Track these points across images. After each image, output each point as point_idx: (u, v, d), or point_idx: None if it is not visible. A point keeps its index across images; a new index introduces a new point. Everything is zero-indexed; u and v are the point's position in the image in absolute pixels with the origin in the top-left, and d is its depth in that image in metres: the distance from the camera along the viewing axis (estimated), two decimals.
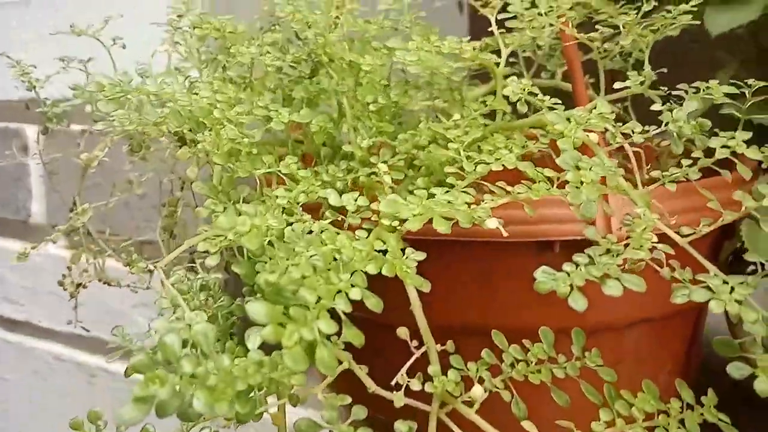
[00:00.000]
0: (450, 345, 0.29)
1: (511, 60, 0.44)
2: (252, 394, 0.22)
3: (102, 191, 0.46)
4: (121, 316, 0.70)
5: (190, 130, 0.34)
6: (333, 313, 0.23)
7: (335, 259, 0.24)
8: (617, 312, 0.40)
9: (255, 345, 0.24)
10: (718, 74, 0.54)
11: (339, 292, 0.24)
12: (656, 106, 0.36)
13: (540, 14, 0.36)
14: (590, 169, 0.25)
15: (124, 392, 0.77)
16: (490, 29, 0.41)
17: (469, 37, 0.38)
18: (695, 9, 0.37)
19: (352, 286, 0.24)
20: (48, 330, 0.80)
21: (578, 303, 0.24)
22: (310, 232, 0.28)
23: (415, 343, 0.28)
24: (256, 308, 0.21)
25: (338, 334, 0.24)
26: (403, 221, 0.31)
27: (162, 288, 0.43)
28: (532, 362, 0.30)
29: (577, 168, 0.26)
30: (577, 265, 0.25)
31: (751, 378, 0.24)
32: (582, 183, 0.25)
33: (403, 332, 0.28)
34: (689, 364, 0.49)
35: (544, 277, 0.24)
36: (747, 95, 0.33)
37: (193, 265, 0.33)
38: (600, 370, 0.31)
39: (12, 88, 0.78)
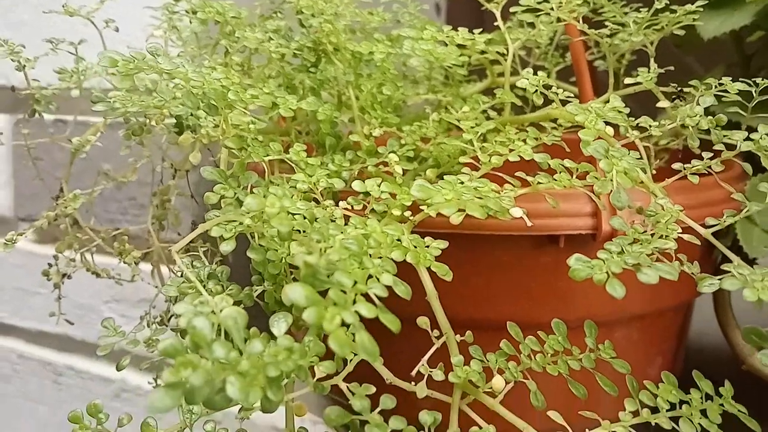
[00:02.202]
0: (469, 335, 0.29)
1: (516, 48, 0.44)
2: (282, 382, 0.21)
3: (76, 180, 0.44)
4: (92, 312, 0.68)
5: (192, 115, 0.33)
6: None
7: (365, 244, 0.24)
8: (610, 308, 0.41)
9: (282, 331, 0.23)
10: (707, 77, 0.56)
11: (371, 277, 0.23)
12: (662, 103, 0.36)
13: (552, 8, 0.36)
14: (621, 158, 0.25)
15: (91, 393, 0.74)
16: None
17: (481, 29, 0.38)
18: (700, 9, 0.38)
19: (384, 271, 0.23)
20: (12, 327, 0.76)
21: (617, 290, 0.24)
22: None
23: (435, 333, 0.28)
24: (296, 291, 0.20)
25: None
26: (416, 212, 0.31)
27: (153, 279, 0.41)
28: (548, 354, 0.29)
29: (608, 156, 0.25)
30: (611, 253, 0.24)
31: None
32: (614, 170, 0.25)
33: (423, 322, 0.28)
34: (677, 360, 0.49)
35: (579, 264, 0.24)
36: (754, 95, 0.34)
37: (196, 253, 0.31)
38: (614, 362, 0.31)
39: None
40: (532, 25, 0.37)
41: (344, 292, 0.21)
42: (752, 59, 0.56)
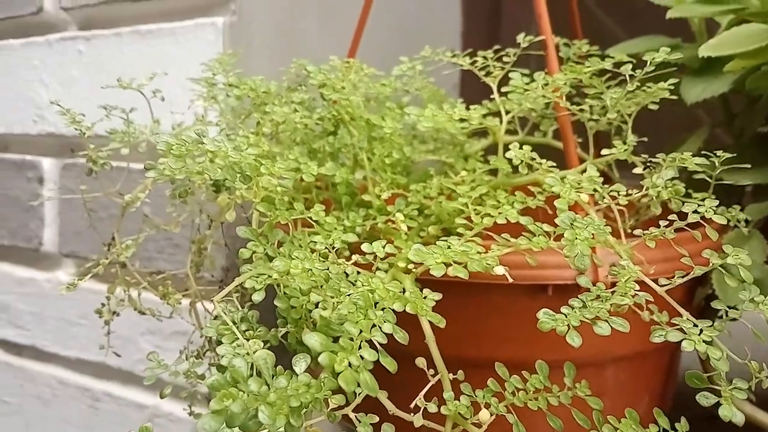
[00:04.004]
0: (460, 374, 0.34)
1: (507, 119, 0.50)
2: (302, 411, 0.27)
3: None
4: (129, 342, 0.74)
5: (226, 179, 0.39)
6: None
7: (370, 298, 0.29)
8: (598, 349, 0.45)
9: (302, 369, 0.28)
10: (692, 137, 0.61)
11: (374, 326, 0.28)
12: (638, 170, 0.42)
13: (538, 88, 0.41)
14: (585, 228, 0.31)
15: (126, 418, 0.79)
16: (480, 89, 0.47)
17: (474, 106, 0.44)
18: (672, 87, 0.43)
19: (385, 321, 0.29)
20: (53, 354, 0.82)
21: (575, 340, 0.29)
22: (346, 273, 0.32)
23: (431, 371, 0.33)
24: (312, 339, 0.25)
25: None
26: (420, 265, 0.36)
27: (190, 317, 0.47)
28: (530, 391, 0.34)
29: (573, 226, 0.31)
30: (573, 308, 0.30)
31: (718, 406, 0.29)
32: (576, 240, 0.30)
33: (420, 362, 0.33)
34: (665, 397, 0.53)
35: (545, 317, 0.29)
36: (716, 164, 0.39)
37: (231, 299, 0.37)
38: (588, 400, 0.35)
39: (30, 122, 0.83)
40: (521, 101, 0.43)
41: (351, 340, 0.26)
42: (735, 118, 0.61)
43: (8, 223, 0.85)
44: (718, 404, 0.28)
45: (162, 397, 0.39)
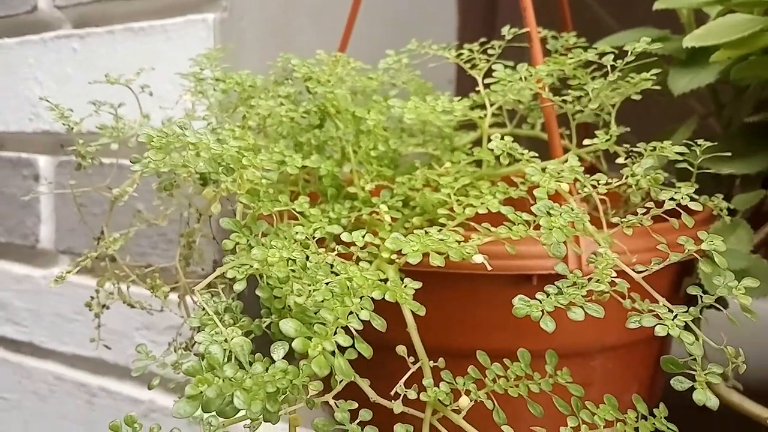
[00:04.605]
0: (441, 361, 0.34)
1: (495, 112, 0.50)
2: (279, 397, 0.27)
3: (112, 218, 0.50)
4: (124, 337, 0.74)
5: (213, 172, 0.39)
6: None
7: (348, 286, 0.29)
8: (585, 338, 0.45)
9: (280, 356, 0.29)
10: (682, 127, 0.61)
11: (351, 313, 0.29)
12: (620, 160, 0.42)
13: (520, 79, 0.42)
14: (560, 215, 0.31)
15: (122, 412, 0.80)
16: (476, 87, 0.47)
17: (460, 97, 0.44)
18: (654, 78, 0.43)
19: (362, 308, 0.29)
20: (50, 351, 0.83)
21: (548, 325, 0.29)
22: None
23: (411, 359, 0.33)
24: (287, 325, 0.26)
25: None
26: (402, 254, 0.37)
27: (179, 309, 0.47)
28: (511, 378, 0.35)
29: (549, 214, 0.31)
30: (548, 294, 0.30)
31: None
32: (552, 227, 0.30)
33: (401, 350, 0.33)
34: (654, 387, 0.54)
35: (520, 303, 0.29)
36: (698, 153, 0.39)
37: (217, 290, 0.37)
38: (569, 387, 0.36)
39: (26, 120, 0.83)
40: (504, 92, 0.43)
41: (326, 326, 0.27)
42: (724, 108, 0.61)
43: (4, 221, 0.86)
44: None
45: (150, 388, 0.39)
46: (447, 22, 0.91)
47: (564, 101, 0.43)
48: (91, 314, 0.79)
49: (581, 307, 0.29)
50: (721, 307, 0.33)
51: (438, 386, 0.32)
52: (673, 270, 0.48)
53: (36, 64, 0.81)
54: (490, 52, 0.48)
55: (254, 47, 0.68)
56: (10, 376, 0.87)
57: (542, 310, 0.29)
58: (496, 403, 0.33)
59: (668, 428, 0.32)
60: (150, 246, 0.72)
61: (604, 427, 0.31)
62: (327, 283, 0.28)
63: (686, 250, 0.32)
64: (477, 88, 0.47)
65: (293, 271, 0.31)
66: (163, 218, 0.44)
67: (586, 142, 0.41)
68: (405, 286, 0.33)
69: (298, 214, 0.40)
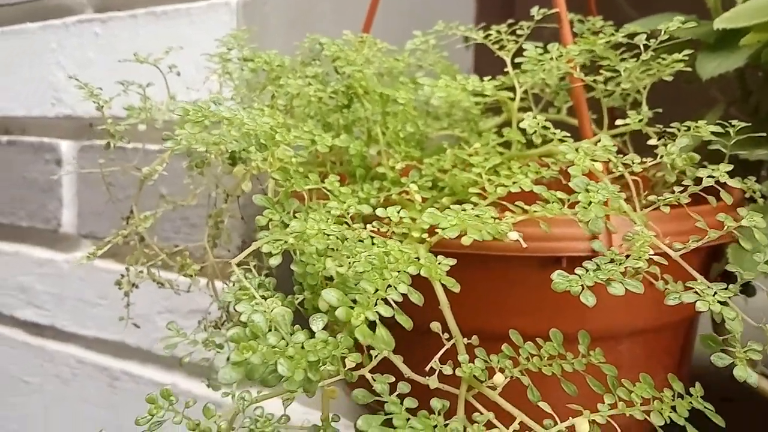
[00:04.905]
0: (475, 339, 0.34)
1: (522, 95, 0.50)
2: (320, 366, 0.27)
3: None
4: (147, 321, 0.75)
5: (243, 150, 0.39)
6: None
7: (386, 260, 0.29)
8: (614, 322, 0.45)
9: (319, 327, 0.29)
10: (709, 114, 0.60)
11: (389, 286, 0.29)
12: (652, 141, 0.42)
13: (552, 59, 0.41)
14: (598, 191, 0.31)
15: (145, 396, 0.80)
16: (493, 65, 0.47)
17: (489, 77, 0.44)
18: (686, 59, 0.43)
19: (400, 282, 0.29)
20: (72, 334, 0.84)
21: (589, 300, 0.29)
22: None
23: (446, 335, 0.33)
24: (330, 294, 0.26)
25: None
26: (434, 233, 0.37)
27: (208, 289, 0.48)
28: (544, 357, 0.35)
29: (587, 190, 0.31)
30: (587, 270, 0.30)
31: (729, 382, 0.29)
32: (590, 203, 0.30)
33: (435, 326, 0.33)
34: (680, 376, 0.53)
35: (559, 278, 0.29)
36: (731, 134, 0.39)
37: (249, 268, 0.37)
38: (603, 367, 0.36)
39: (48, 105, 0.84)
40: (535, 72, 0.43)
41: (367, 296, 0.27)
42: (752, 95, 0.60)
43: (27, 205, 0.87)
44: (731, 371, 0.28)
45: (182, 364, 0.39)
46: (464, 8, 0.91)
47: (595, 81, 0.43)
48: (114, 298, 0.79)
49: (621, 282, 0.29)
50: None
51: (473, 363, 0.32)
52: (703, 254, 0.47)
53: (58, 48, 0.81)
54: (518, 33, 0.47)
55: (278, 32, 0.68)
56: (32, 360, 0.88)
57: (582, 285, 0.29)
58: (530, 381, 0.33)
59: (705, 407, 0.32)
60: (173, 230, 0.72)
61: (641, 404, 0.31)
62: (366, 256, 0.28)
63: (726, 227, 0.32)
64: (505, 69, 0.46)
65: (330, 243, 0.31)
66: (193, 197, 0.44)
67: (618, 122, 0.40)
68: (439, 263, 0.33)
69: (328, 193, 0.40)
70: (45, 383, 0.87)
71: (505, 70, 0.46)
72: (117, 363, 0.79)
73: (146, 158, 0.61)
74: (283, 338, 0.26)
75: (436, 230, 0.36)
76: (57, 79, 0.82)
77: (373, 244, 0.31)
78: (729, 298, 0.29)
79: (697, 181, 0.34)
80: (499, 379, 0.32)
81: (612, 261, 0.31)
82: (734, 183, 0.33)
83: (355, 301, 0.26)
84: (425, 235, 0.37)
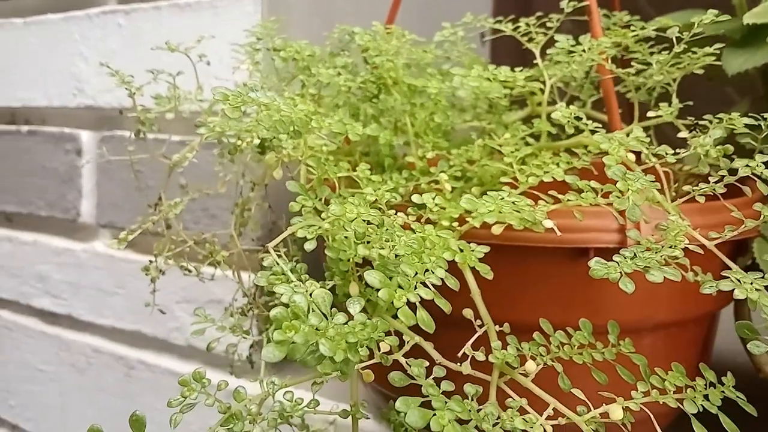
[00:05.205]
0: (506, 326, 0.34)
1: (550, 84, 0.50)
2: (359, 348, 0.27)
3: (155, 193, 0.50)
4: (165, 311, 0.75)
5: (275, 138, 0.39)
6: None
7: (424, 245, 0.30)
8: (638, 315, 0.45)
9: (357, 310, 0.29)
10: (733, 111, 0.60)
11: (427, 270, 0.29)
12: (682, 134, 0.42)
13: (583, 51, 0.42)
14: (636, 180, 0.31)
15: (161, 385, 0.81)
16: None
17: (521, 66, 0.44)
18: (717, 52, 0.43)
19: (438, 266, 0.29)
20: (88, 323, 0.84)
21: (627, 286, 0.29)
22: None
23: (478, 322, 0.33)
24: (372, 276, 0.26)
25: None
26: (462, 223, 0.37)
27: (234, 276, 0.48)
28: (575, 346, 0.35)
29: (625, 178, 0.31)
30: (624, 257, 0.30)
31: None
32: (629, 190, 0.30)
33: (468, 312, 0.33)
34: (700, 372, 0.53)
35: (597, 265, 0.29)
36: (763, 128, 0.39)
37: (280, 254, 0.38)
38: (633, 357, 0.36)
39: (70, 95, 0.84)
40: (567, 63, 0.43)
41: (408, 279, 0.27)
42: None
43: (46, 195, 0.87)
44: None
45: (209, 349, 0.40)
46: (482, 1, 0.91)
47: (627, 73, 0.43)
48: (131, 288, 0.80)
49: (659, 270, 0.29)
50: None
51: (505, 350, 0.32)
52: (729, 248, 0.47)
53: (81, 39, 0.82)
54: (548, 25, 0.48)
55: (301, 23, 0.69)
56: (48, 348, 0.88)
57: (621, 272, 0.29)
58: (561, 369, 0.33)
59: (737, 396, 0.32)
60: (193, 221, 0.73)
61: (674, 392, 0.31)
62: (405, 241, 0.29)
63: (763, 216, 0.32)
64: (534, 62, 0.46)
65: (369, 227, 0.31)
66: (222, 185, 0.44)
67: (650, 114, 0.40)
68: (473, 250, 0.33)
69: (359, 181, 0.40)
70: (61, 372, 0.87)
71: (535, 62, 0.46)
72: (133, 352, 0.80)
73: (169, 150, 0.62)
74: (323, 319, 0.26)
75: (467, 219, 0.36)
76: (79, 69, 0.82)
77: (411, 229, 0.31)
78: (765, 287, 0.29)
79: (732, 172, 0.34)
80: (531, 366, 0.32)
81: (648, 250, 0.31)
82: None
83: (396, 283, 0.26)
84: (455, 224, 0.37)
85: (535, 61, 0.46)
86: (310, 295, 0.28)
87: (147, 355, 0.79)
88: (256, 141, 0.41)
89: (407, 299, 0.25)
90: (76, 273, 0.85)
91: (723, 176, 0.33)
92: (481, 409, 0.30)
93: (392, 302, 0.26)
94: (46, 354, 0.88)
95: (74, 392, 0.86)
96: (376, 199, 0.35)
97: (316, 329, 0.26)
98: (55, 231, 0.87)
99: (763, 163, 0.33)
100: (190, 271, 0.46)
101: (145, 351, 0.79)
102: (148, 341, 0.79)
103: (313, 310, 0.27)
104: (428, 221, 0.36)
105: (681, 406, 0.31)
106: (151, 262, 0.46)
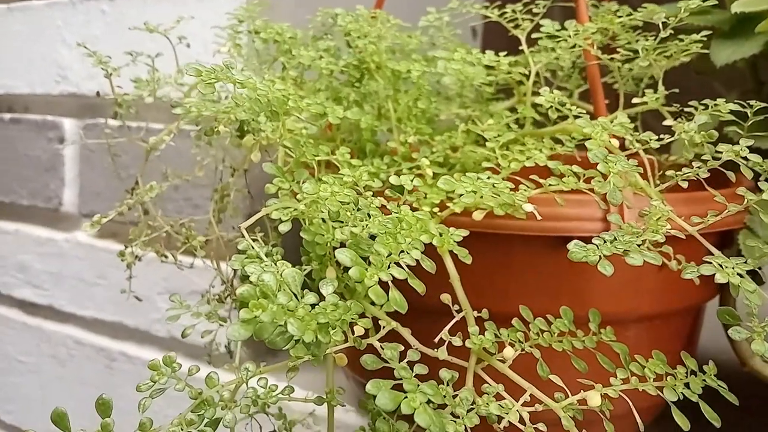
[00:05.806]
0: (485, 312, 0.33)
1: (533, 79, 0.49)
2: (330, 330, 0.26)
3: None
4: (146, 301, 0.74)
5: (253, 120, 0.39)
6: None
7: (399, 225, 0.29)
8: (622, 307, 0.45)
9: (329, 291, 0.28)
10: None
11: (402, 251, 0.28)
12: (668, 122, 0.41)
13: (569, 36, 0.41)
14: (617, 162, 0.30)
15: (142, 377, 0.79)
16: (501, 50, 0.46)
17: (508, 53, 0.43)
18: (704, 39, 0.42)
19: (413, 248, 0.28)
20: (70, 314, 0.83)
21: (606, 269, 0.28)
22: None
23: (456, 307, 0.33)
24: (343, 254, 0.25)
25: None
26: (443, 209, 0.36)
27: (212, 263, 0.47)
28: (554, 333, 0.34)
29: (606, 161, 0.30)
30: (604, 240, 0.29)
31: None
32: (610, 173, 0.30)
33: (446, 298, 0.33)
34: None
35: (576, 248, 0.29)
36: (749, 115, 0.38)
37: (256, 238, 0.37)
38: (614, 345, 0.35)
39: (52, 82, 0.83)
40: (554, 50, 0.42)
41: (381, 258, 0.26)
42: (764, 86, 0.60)
43: (28, 184, 0.86)
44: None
45: (184, 336, 0.39)
46: None
47: (612, 59, 0.42)
48: (113, 278, 0.79)
49: (639, 254, 0.28)
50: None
51: (483, 335, 0.32)
52: (714, 240, 0.47)
53: (64, 26, 0.80)
54: (534, 11, 0.47)
55: (286, 9, 0.68)
56: (29, 340, 0.87)
57: (600, 255, 0.28)
58: (540, 357, 0.33)
59: (719, 385, 0.31)
60: (176, 211, 0.72)
61: (654, 380, 0.30)
62: (380, 220, 0.28)
63: (746, 201, 0.31)
64: (520, 48, 0.46)
65: (343, 209, 0.30)
66: (200, 168, 0.43)
67: (635, 100, 0.40)
68: (451, 234, 0.33)
69: (339, 165, 0.39)
70: (42, 364, 0.86)
71: (520, 48, 0.45)
72: (115, 344, 0.79)
73: (150, 136, 0.61)
74: (293, 299, 0.25)
75: (447, 205, 0.35)
76: (62, 56, 0.81)
77: (388, 212, 0.30)
78: (747, 272, 0.29)
79: (717, 158, 0.33)
80: (509, 352, 0.32)
81: (630, 234, 0.30)
82: (754, 158, 0.32)
83: (368, 262, 0.25)
84: (436, 209, 0.37)
85: (520, 47, 0.45)
86: (281, 275, 0.27)
87: (128, 347, 0.78)
88: (235, 123, 0.40)
89: (379, 278, 0.24)
90: (57, 263, 0.83)
91: (706, 160, 0.32)
92: (456, 395, 0.29)
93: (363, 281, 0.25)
94: (27, 345, 0.87)
95: (55, 384, 0.85)
96: (354, 181, 0.34)
97: (288, 310, 0.25)
98: (37, 220, 0.86)
99: (748, 147, 0.32)
100: (166, 257, 0.45)
101: (127, 343, 0.78)
102: (130, 333, 0.77)
103: (283, 290, 0.26)
104: (409, 207, 0.35)
105: (661, 394, 0.30)
106: (126, 247, 0.45)
